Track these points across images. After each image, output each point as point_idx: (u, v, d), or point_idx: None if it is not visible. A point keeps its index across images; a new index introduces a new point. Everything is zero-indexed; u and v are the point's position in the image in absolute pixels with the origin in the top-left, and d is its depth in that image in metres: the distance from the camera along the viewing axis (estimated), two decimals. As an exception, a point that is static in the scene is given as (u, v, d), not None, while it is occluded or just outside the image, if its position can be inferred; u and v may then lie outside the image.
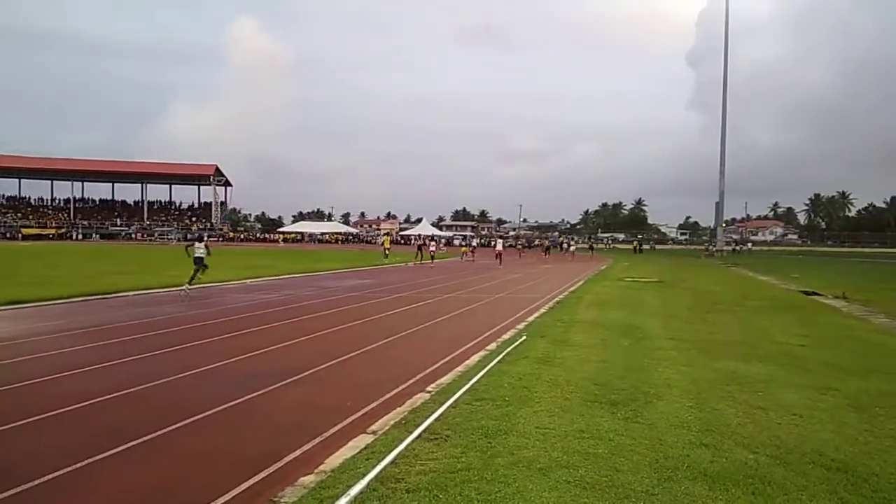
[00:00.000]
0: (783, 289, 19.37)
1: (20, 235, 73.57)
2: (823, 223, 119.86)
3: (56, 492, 3.63)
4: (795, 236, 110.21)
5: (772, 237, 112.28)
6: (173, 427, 4.72)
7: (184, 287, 14.19)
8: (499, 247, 36.82)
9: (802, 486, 3.63)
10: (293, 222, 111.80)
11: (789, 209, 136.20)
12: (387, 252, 34.41)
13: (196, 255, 15.43)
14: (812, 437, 4.53)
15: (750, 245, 74.81)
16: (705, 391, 5.83)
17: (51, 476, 3.79)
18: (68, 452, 4.15)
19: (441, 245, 68.14)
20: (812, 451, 4.21)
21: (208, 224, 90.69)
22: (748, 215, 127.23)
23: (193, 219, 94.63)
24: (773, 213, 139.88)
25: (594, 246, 68.00)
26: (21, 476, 3.77)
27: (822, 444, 4.39)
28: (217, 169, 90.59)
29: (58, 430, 4.71)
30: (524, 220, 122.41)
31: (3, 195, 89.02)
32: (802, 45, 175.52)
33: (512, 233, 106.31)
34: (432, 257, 33.06)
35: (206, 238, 17.54)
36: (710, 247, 65.46)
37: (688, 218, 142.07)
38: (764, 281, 23.20)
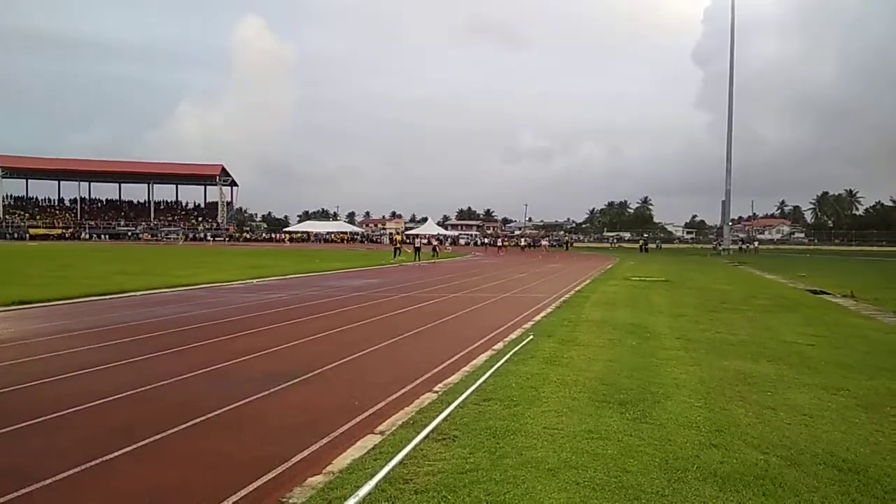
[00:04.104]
0: (791, 287, 19.27)
1: (28, 236, 74.08)
2: (830, 222, 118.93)
3: (68, 491, 3.64)
4: (802, 235, 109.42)
5: (778, 236, 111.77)
6: (182, 427, 4.73)
7: (423, 261, 30.85)
8: (545, 243, 60.18)
9: (814, 488, 3.60)
10: (299, 222, 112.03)
11: (796, 208, 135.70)
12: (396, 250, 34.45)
13: (415, 246, 32.69)
14: (823, 438, 4.49)
15: (756, 244, 74.46)
16: (714, 391, 5.80)
17: (64, 475, 3.81)
18: (78, 452, 4.16)
19: (446, 244, 68.32)
20: (823, 452, 4.18)
21: (214, 224, 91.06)
22: (755, 214, 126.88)
23: (199, 219, 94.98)
24: (779, 211, 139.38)
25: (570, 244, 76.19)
26: (35, 474, 3.79)
27: (833, 444, 4.35)
28: (223, 169, 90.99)
29: (67, 430, 4.73)
30: (529, 220, 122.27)
31: (11, 195, 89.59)
32: (810, 40, 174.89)
33: (518, 232, 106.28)
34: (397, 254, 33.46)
35: (420, 240, 37.31)
36: (718, 245, 65.17)
37: (694, 216, 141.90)
38: (771, 280, 23.08)
